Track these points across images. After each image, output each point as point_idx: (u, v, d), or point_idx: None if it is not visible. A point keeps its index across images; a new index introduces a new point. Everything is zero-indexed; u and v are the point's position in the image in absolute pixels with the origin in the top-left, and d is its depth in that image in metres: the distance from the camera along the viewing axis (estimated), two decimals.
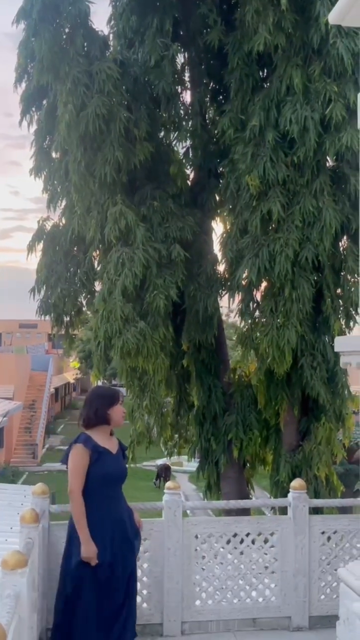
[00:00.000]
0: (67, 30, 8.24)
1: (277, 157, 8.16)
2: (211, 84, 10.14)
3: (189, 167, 10.06)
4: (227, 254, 8.96)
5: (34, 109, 9.83)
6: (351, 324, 8.95)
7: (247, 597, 5.64)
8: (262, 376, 9.19)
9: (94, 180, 8.52)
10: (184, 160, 9.89)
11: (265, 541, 5.72)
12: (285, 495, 5.95)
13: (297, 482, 5.85)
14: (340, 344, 4.27)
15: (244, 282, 8.72)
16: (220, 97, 10.10)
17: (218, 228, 9.97)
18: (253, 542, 5.68)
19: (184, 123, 9.51)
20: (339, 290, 8.88)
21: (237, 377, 10.41)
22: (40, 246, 10.24)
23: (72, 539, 4.54)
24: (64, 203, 10.13)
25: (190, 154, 9.91)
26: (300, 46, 8.25)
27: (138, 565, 5.14)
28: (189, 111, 9.61)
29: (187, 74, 10.08)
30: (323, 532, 5.75)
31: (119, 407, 4.71)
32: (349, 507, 6.91)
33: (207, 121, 10.10)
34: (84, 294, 10.40)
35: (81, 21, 8.24)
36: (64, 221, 10.16)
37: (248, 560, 5.66)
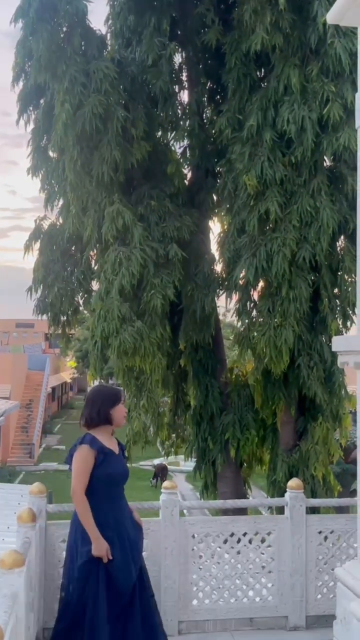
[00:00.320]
0: (64, 29, 8.24)
1: (275, 156, 8.16)
2: (209, 83, 10.15)
3: (186, 166, 10.06)
4: (225, 253, 8.96)
5: (31, 108, 9.81)
6: (348, 323, 8.95)
7: (244, 597, 5.63)
8: (259, 376, 9.19)
9: (90, 179, 8.51)
10: (181, 160, 9.89)
11: (262, 541, 5.72)
12: (282, 495, 5.95)
13: (294, 482, 5.85)
14: (337, 343, 4.27)
15: (241, 282, 8.73)
16: (218, 96, 10.12)
17: (215, 228, 9.98)
18: (250, 541, 5.68)
19: (181, 122, 9.51)
20: (336, 290, 8.88)
21: (234, 376, 10.42)
22: (37, 245, 10.23)
23: (76, 540, 4.43)
24: (61, 202, 10.12)
25: (188, 154, 9.91)
26: (298, 46, 8.25)
27: None
28: (187, 111, 9.61)
29: (184, 74, 10.08)
30: (320, 532, 5.75)
31: (121, 406, 4.64)
32: (345, 507, 6.89)
33: (205, 121, 10.11)
34: (81, 294, 10.40)
35: (79, 20, 8.24)
36: (61, 220, 10.16)
37: (245, 559, 5.66)
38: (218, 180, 9.55)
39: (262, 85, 8.82)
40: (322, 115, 7.93)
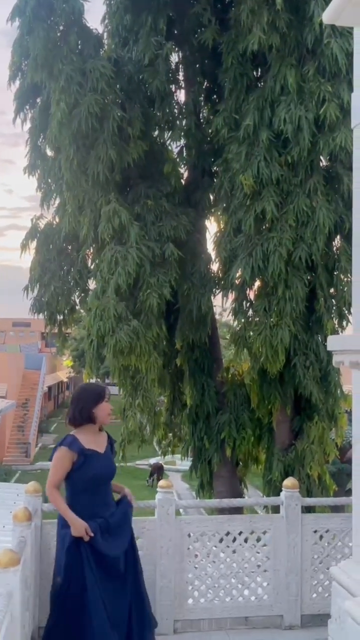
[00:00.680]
0: (61, 28, 8.23)
1: (271, 156, 8.16)
2: (205, 83, 10.14)
3: (183, 166, 10.05)
4: (221, 253, 8.96)
5: (27, 107, 9.80)
6: (344, 323, 8.96)
7: (240, 596, 5.65)
8: (255, 375, 9.20)
9: (87, 178, 8.51)
10: (178, 159, 9.88)
11: (258, 540, 5.73)
12: (278, 494, 5.96)
13: (289, 481, 5.86)
14: (333, 343, 4.28)
15: (237, 281, 8.73)
16: (215, 96, 10.11)
17: (212, 227, 9.98)
18: (246, 540, 5.69)
19: (178, 122, 9.50)
20: (332, 290, 8.89)
21: (230, 376, 10.43)
22: (33, 244, 10.23)
23: (59, 528, 4.58)
24: (57, 201, 10.11)
25: (184, 153, 9.91)
26: (294, 46, 8.25)
27: None
28: (183, 110, 9.60)
29: (181, 73, 10.07)
30: (315, 531, 5.77)
31: (104, 404, 4.65)
32: (341, 506, 6.92)
33: (201, 120, 10.11)
34: (77, 293, 10.40)
35: (75, 19, 8.23)
36: (57, 219, 10.15)
37: (241, 558, 5.67)
38: (214, 180, 9.54)
39: (259, 85, 8.82)
40: (319, 115, 7.94)
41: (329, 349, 4.34)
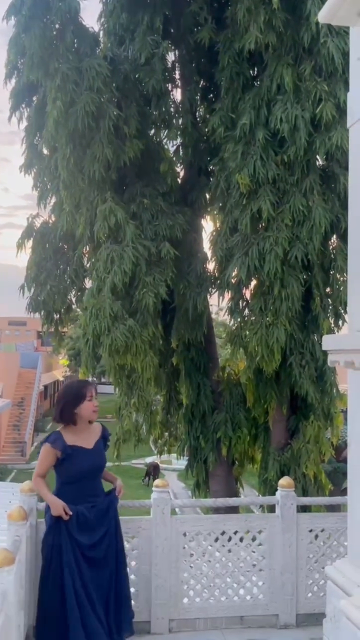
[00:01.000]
0: (57, 26, 8.20)
1: (267, 155, 8.16)
2: (202, 82, 10.14)
3: (179, 165, 10.06)
4: (217, 252, 8.96)
5: (23, 105, 9.78)
6: (340, 322, 8.97)
7: (235, 595, 5.65)
8: (251, 374, 9.20)
9: (83, 177, 8.50)
10: (174, 158, 9.88)
11: (253, 539, 5.73)
12: (274, 493, 5.96)
13: (285, 480, 5.86)
14: (328, 342, 4.28)
15: (233, 281, 8.73)
16: (211, 95, 10.11)
17: (208, 226, 9.97)
18: (241, 540, 5.69)
19: (174, 121, 9.48)
20: (328, 289, 8.89)
21: (226, 375, 10.43)
22: (29, 243, 10.20)
23: (45, 518, 4.85)
24: (53, 200, 10.09)
25: (181, 152, 9.91)
26: (291, 45, 8.25)
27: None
28: (180, 109, 9.59)
29: (177, 72, 10.06)
30: (311, 530, 5.77)
31: (86, 404, 4.77)
32: (337, 505, 6.91)
33: (198, 119, 10.10)
34: (73, 292, 10.38)
35: (71, 17, 8.21)
36: (53, 218, 10.14)
37: (236, 558, 5.67)
38: (211, 179, 9.53)
39: (255, 84, 8.82)
40: (315, 115, 7.94)
41: (324, 348, 4.34)
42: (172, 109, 9.49)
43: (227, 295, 9.12)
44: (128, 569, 5.29)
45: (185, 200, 9.66)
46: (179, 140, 9.70)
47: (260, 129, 8.17)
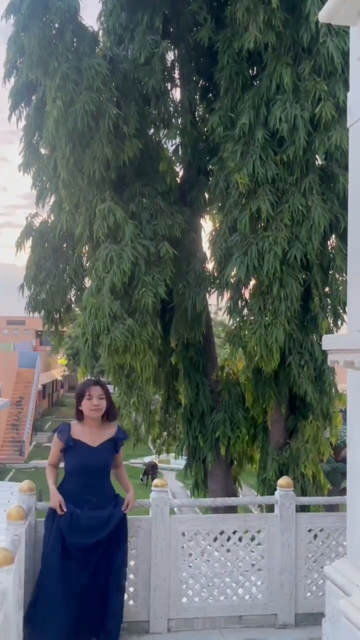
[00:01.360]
0: (56, 25, 8.19)
1: (267, 155, 8.16)
2: (201, 81, 10.14)
3: (178, 164, 10.05)
4: (216, 251, 8.96)
5: (22, 104, 9.77)
6: (339, 322, 8.98)
7: (234, 595, 5.64)
8: (250, 374, 9.21)
9: (82, 176, 8.49)
10: (173, 158, 9.88)
11: (252, 539, 5.73)
12: (272, 493, 5.96)
13: (284, 480, 5.86)
14: (327, 342, 4.27)
15: (232, 280, 8.73)
16: (210, 94, 10.10)
17: (207, 226, 9.96)
18: (240, 539, 5.69)
19: (173, 120, 9.49)
20: (327, 289, 8.90)
21: (225, 375, 10.43)
22: (29, 243, 10.20)
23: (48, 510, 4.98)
24: (52, 199, 10.09)
25: (180, 152, 9.90)
26: (290, 44, 8.25)
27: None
28: (179, 108, 9.59)
29: (176, 71, 10.06)
30: (310, 530, 5.77)
31: (85, 402, 4.98)
32: (335, 505, 6.93)
33: (197, 119, 10.10)
34: (73, 291, 10.38)
35: (71, 17, 8.20)
36: (52, 217, 10.13)
37: (235, 557, 5.66)
38: (210, 179, 9.54)
39: (255, 83, 8.82)
40: (314, 114, 7.94)
41: (323, 348, 4.34)
42: (171, 109, 9.49)
43: (226, 295, 9.12)
44: (127, 568, 5.29)
45: (184, 200, 9.66)
46: (178, 140, 9.71)
47: (260, 129, 8.17)
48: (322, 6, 4.15)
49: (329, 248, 8.76)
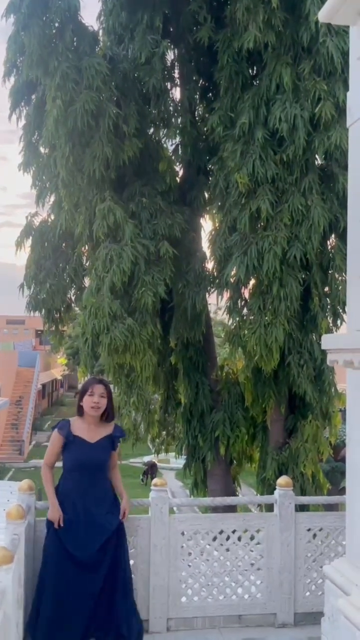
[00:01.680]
0: (56, 25, 8.19)
1: (266, 155, 8.16)
2: (201, 81, 10.13)
3: (178, 164, 10.04)
4: (216, 251, 8.96)
5: (22, 103, 9.76)
6: (338, 322, 8.97)
7: (233, 594, 5.65)
8: (249, 374, 9.21)
9: (82, 176, 8.49)
10: (173, 157, 9.87)
11: (252, 538, 5.74)
12: (272, 493, 5.97)
13: (283, 480, 5.86)
14: (327, 341, 4.27)
15: (232, 280, 8.72)
16: (210, 94, 10.10)
17: (207, 225, 9.95)
18: (239, 539, 5.70)
19: (173, 120, 9.49)
20: (326, 289, 8.90)
21: (224, 374, 10.43)
22: (28, 242, 10.19)
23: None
24: (52, 199, 10.09)
25: (180, 151, 9.89)
26: (290, 44, 8.25)
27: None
28: (179, 108, 9.59)
29: (176, 71, 10.05)
30: (309, 529, 5.78)
31: (87, 398, 5.08)
32: (335, 505, 6.94)
33: (197, 118, 10.10)
34: (72, 290, 10.37)
35: (71, 16, 8.19)
36: (52, 217, 10.13)
37: (234, 557, 5.67)
38: (210, 178, 9.54)
39: (254, 83, 8.82)
40: (314, 114, 7.94)
41: (323, 347, 4.34)
42: (171, 108, 9.49)
43: (226, 295, 9.12)
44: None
45: (184, 200, 9.66)
46: (178, 139, 9.70)
47: (259, 128, 8.17)
48: (322, 6, 4.16)
49: (329, 248, 8.76)
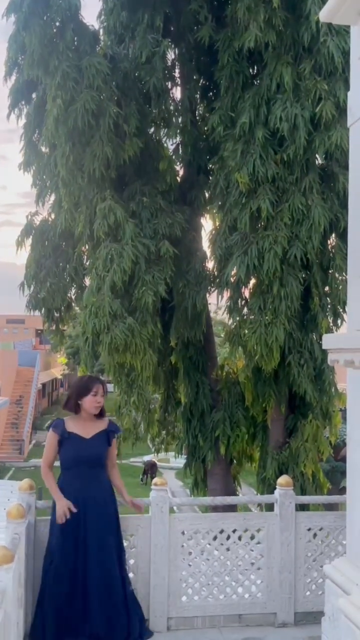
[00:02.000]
0: (57, 24, 8.18)
1: (267, 154, 8.16)
2: (201, 80, 10.12)
3: (178, 163, 10.03)
4: (216, 251, 8.96)
5: (23, 102, 9.76)
6: (339, 321, 8.97)
7: (233, 594, 5.65)
8: (249, 373, 9.20)
9: (82, 175, 8.49)
10: (173, 157, 9.86)
11: (252, 538, 5.74)
12: (272, 492, 5.97)
13: (283, 479, 5.87)
14: (328, 341, 4.28)
15: (232, 279, 8.72)
16: (210, 93, 10.09)
17: (207, 225, 9.94)
18: (239, 538, 5.70)
19: (174, 119, 9.48)
20: (327, 288, 8.89)
21: (224, 374, 10.43)
22: (29, 241, 10.19)
23: (52, 507, 5.09)
24: (52, 198, 10.08)
25: (180, 151, 9.89)
26: (290, 44, 8.25)
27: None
28: (179, 107, 9.59)
29: (177, 70, 10.04)
30: (309, 529, 5.78)
31: (89, 397, 5.12)
32: (335, 504, 6.94)
33: (197, 118, 10.10)
34: (73, 289, 10.38)
35: (71, 15, 8.19)
36: (52, 216, 10.12)
37: (234, 556, 5.67)
38: (210, 178, 9.53)
39: (255, 82, 8.81)
40: (315, 114, 7.94)
41: (324, 347, 4.34)
42: (171, 108, 9.49)
43: (226, 294, 9.11)
44: (127, 566, 5.30)
45: (184, 199, 9.66)
46: (178, 139, 9.70)
47: (260, 128, 8.16)
48: (322, 5, 4.16)
49: (329, 247, 8.76)
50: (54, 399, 64.10)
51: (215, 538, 5.66)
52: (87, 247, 9.69)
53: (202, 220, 10.05)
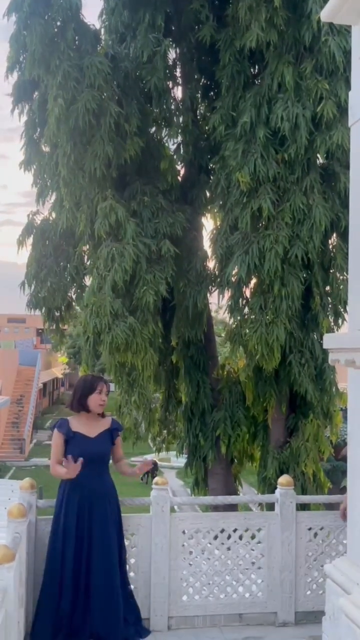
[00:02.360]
0: (58, 23, 8.18)
1: (268, 154, 8.16)
2: (202, 80, 10.12)
3: (179, 163, 10.03)
4: (217, 250, 8.95)
5: (24, 101, 9.75)
6: (340, 321, 8.98)
7: (234, 593, 5.66)
8: (250, 373, 9.20)
9: (83, 174, 8.49)
10: (174, 156, 9.85)
11: (252, 537, 5.74)
12: (273, 492, 5.97)
13: (284, 479, 5.87)
14: (329, 341, 4.28)
15: (233, 279, 8.72)
16: (212, 93, 10.10)
17: (208, 224, 9.94)
18: (240, 537, 5.70)
19: (175, 119, 9.47)
20: (327, 288, 8.89)
21: (225, 373, 10.43)
22: (30, 240, 10.20)
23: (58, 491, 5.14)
24: (53, 197, 10.09)
25: (181, 150, 9.88)
26: (292, 43, 8.24)
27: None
28: (180, 107, 9.58)
29: (178, 70, 10.04)
30: (310, 528, 5.78)
31: (95, 395, 5.15)
32: (336, 504, 6.92)
33: (198, 117, 10.10)
34: (74, 289, 10.38)
35: (72, 15, 8.19)
36: (53, 215, 10.13)
37: (235, 555, 5.68)
38: (211, 177, 9.53)
39: (256, 82, 8.81)
40: (316, 113, 7.94)
41: (325, 347, 4.34)
42: (173, 107, 9.48)
43: (227, 294, 9.11)
44: (127, 566, 5.31)
45: (185, 198, 9.66)
46: (179, 138, 9.68)
47: (261, 127, 8.16)
48: (324, 5, 4.16)
49: (330, 247, 8.76)
50: (55, 399, 64.14)
51: (216, 537, 5.67)
52: (88, 246, 9.69)
53: (203, 220, 10.06)
